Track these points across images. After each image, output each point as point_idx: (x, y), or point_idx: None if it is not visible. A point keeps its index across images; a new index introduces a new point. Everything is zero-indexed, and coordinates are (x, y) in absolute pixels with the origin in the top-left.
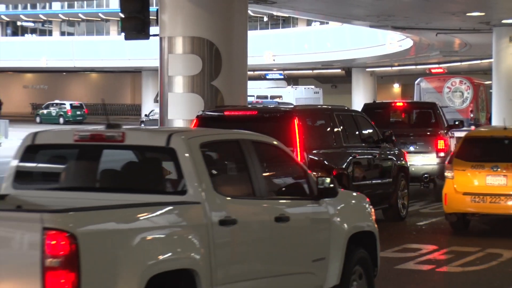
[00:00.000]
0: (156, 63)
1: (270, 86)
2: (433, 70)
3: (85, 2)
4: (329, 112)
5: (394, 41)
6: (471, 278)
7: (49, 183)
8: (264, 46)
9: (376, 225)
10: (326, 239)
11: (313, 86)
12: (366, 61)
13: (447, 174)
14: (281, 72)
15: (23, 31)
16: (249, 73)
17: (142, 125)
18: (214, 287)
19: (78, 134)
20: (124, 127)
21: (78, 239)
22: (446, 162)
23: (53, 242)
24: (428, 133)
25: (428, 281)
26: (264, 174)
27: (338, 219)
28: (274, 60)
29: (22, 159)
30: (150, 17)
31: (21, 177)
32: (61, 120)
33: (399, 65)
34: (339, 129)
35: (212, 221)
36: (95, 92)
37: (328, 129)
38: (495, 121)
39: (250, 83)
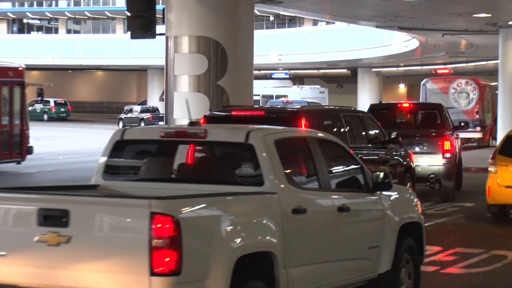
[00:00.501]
0: (162, 62)
1: (276, 86)
2: (439, 71)
3: (91, 0)
4: (336, 113)
5: (400, 42)
6: (475, 280)
7: (135, 174)
8: (270, 46)
9: (422, 217)
10: (380, 228)
11: (318, 86)
12: (372, 61)
13: (491, 169)
14: (287, 71)
15: (29, 28)
16: (255, 72)
17: (121, 122)
18: (287, 269)
19: (164, 130)
20: (203, 125)
21: (181, 223)
22: (490, 158)
23: (159, 225)
24: (434, 134)
25: (433, 282)
26: (327, 168)
27: (390, 210)
28: (280, 59)
29: (111, 153)
30: (156, 16)
31: (110, 169)
32: (45, 116)
33: (405, 66)
34: (346, 130)
35: (286, 209)
36: (100, 90)
37: (335, 129)
38: (501, 123)
39: (255, 83)
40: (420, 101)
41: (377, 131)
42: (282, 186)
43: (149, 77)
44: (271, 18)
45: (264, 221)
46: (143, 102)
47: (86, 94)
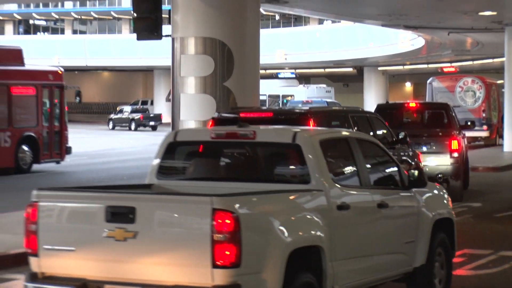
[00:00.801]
0: (168, 62)
1: (282, 85)
2: (445, 69)
3: (97, 0)
4: (344, 114)
5: (406, 40)
6: (484, 281)
7: (187, 174)
8: (276, 45)
9: (453, 213)
10: (415, 224)
11: (325, 85)
12: (378, 60)
13: None
14: (293, 71)
15: (36, 29)
16: (261, 72)
17: (111, 123)
18: (333, 262)
19: (214, 132)
20: (252, 126)
21: (240, 218)
22: None
23: (220, 221)
24: (442, 134)
25: None
26: (366, 166)
27: (425, 206)
28: (286, 59)
29: (164, 154)
30: (163, 16)
31: (163, 169)
32: None
33: (411, 64)
34: (354, 131)
35: (332, 206)
36: (107, 90)
37: None
38: (507, 121)
39: (261, 82)
40: (427, 99)
41: (385, 132)
42: (327, 183)
43: (155, 77)
44: (277, 17)
45: (313, 217)
46: (135, 103)
47: (93, 95)
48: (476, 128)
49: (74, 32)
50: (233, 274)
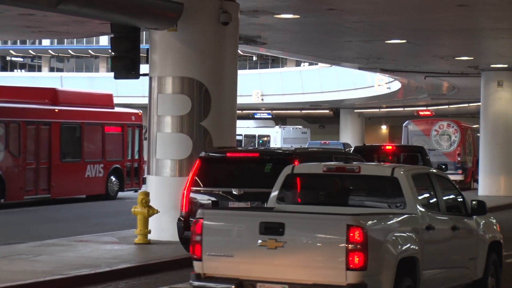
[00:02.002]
0: (145, 101)
1: (258, 126)
2: (421, 113)
3: (74, 38)
4: (328, 155)
5: (383, 83)
6: None
7: (302, 199)
8: (253, 85)
9: (501, 236)
10: (476, 244)
11: (301, 126)
12: (354, 102)
13: None
14: (270, 111)
15: (12, 66)
16: (238, 112)
17: None
18: (423, 271)
19: (326, 166)
20: (355, 162)
21: (368, 233)
22: None
23: (352, 234)
24: None
25: None
26: (442, 196)
27: (482, 230)
28: (262, 99)
29: (284, 183)
30: (140, 55)
31: (282, 195)
32: None
33: (387, 107)
34: None
35: (422, 226)
36: None
37: None
38: (482, 165)
39: (238, 122)
40: (402, 142)
41: None
42: (418, 209)
43: None
44: (254, 58)
45: (411, 234)
46: None
47: None
48: (451, 171)
49: (51, 69)
50: (361, 275)
